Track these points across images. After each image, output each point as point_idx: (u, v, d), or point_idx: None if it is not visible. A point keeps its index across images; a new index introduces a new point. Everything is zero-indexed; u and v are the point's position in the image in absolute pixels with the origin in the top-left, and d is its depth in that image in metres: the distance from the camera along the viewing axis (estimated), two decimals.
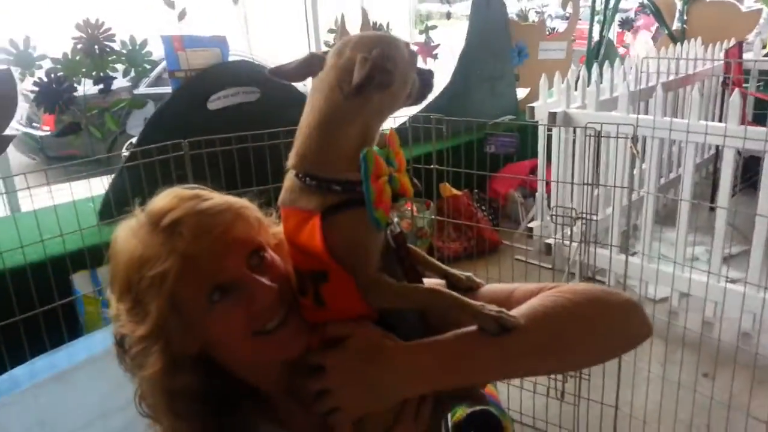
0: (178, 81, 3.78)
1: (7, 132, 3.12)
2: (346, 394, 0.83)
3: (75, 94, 3.40)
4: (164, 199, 0.86)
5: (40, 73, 3.41)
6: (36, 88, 3.26)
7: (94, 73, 3.63)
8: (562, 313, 0.81)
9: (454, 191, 4.82)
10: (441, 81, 5.31)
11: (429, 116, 2.93)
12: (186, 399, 0.87)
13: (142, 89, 5.68)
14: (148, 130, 3.59)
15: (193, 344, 0.87)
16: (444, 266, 1.00)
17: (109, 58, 3.88)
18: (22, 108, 3.27)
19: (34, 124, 6.17)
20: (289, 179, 0.88)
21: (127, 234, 0.85)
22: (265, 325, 0.86)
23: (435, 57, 5.87)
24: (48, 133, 5.48)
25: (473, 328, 0.82)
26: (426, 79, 0.90)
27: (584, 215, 2.62)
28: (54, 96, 3.28)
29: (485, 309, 0.82)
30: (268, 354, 0.88)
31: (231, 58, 4.11)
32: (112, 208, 2.72)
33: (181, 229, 0.81)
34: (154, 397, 0.88)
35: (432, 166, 3.07)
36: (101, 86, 3.47)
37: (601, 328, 0.83)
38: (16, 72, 3.22)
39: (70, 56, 3.52)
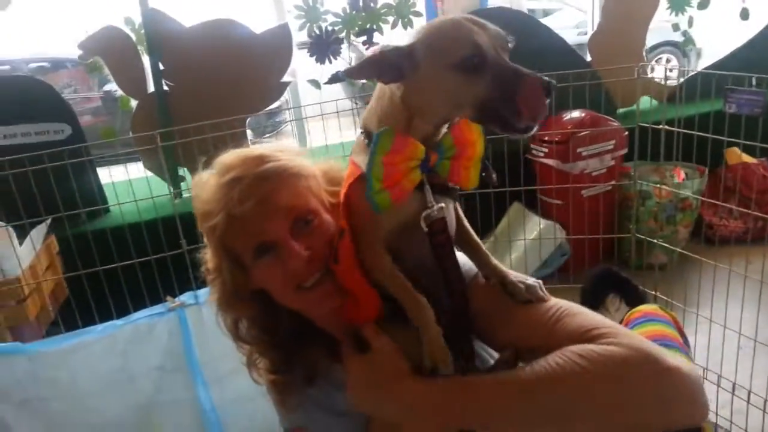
0: None
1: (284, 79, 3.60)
2: (356, 398, 0.88)
3: (341, 46, 3.71)
4: (233, 155, 0.94)
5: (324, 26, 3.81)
6: (312, 40, 3.65)
7: (367, 26, 3.92)
8: (568, 382, 0.73)
9: (746, 158, 3.98)
10: None
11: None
12: (248, 325, 0.99)
13: None
14: None
15: (245, 285, 0.95)
16: (503, 269, 0.90)
17: (381, 11, 4.15)
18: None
19: None
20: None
21: (201, 183, 0.95)
22: (302, 283, 0.92)
23: None
24: None
25: (491, 377, 0.80)
26: (507, 81, 0.75)
27: None
28: (324, 48, 3.64)
29: (434, 352, 0.81)
30: (308, 306, 0.95)
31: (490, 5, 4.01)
32: None
33: (234, 190, 0.88)
34: (224, 321, 1.00)
35: (660, 127, 2.59)
36: (364, 38, 3.71)
37: (608, 404, 0.73)
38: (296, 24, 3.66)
39: (348, 10, 3.86)
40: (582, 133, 3.51)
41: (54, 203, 2.70)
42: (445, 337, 0.86)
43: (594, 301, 2.31)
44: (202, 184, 0.94)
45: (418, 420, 0.83)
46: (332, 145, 2.74)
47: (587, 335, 0.76)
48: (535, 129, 0.78)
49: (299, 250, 0.90)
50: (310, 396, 1.02)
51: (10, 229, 2.58)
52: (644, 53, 4.49)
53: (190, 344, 2.19)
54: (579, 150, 3.54)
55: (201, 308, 2.19)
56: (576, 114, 3.66)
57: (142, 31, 3.61)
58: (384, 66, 0.77)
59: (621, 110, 4.44)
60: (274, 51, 3.53)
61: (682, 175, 3.74)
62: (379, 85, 0.83)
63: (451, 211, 0.89)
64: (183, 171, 3.65)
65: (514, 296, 0.86)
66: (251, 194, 0.88)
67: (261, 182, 0.89)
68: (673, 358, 0.73)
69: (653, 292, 2.60)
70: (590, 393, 0.73)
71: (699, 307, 2.66)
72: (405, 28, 4.26)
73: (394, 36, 4.54)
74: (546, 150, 3.67)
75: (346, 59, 3.78)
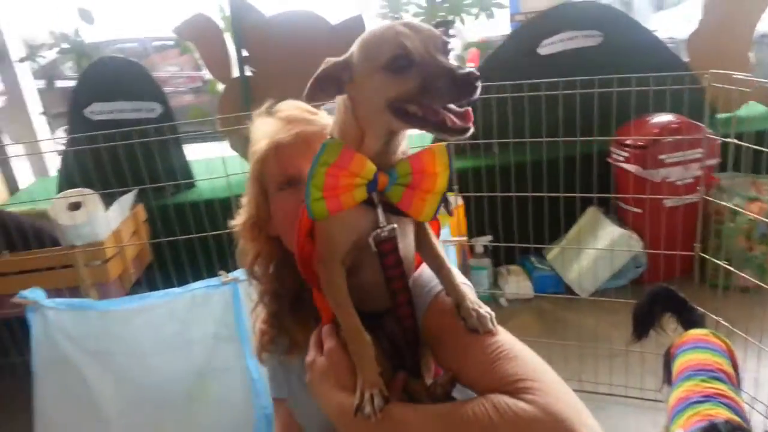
0: (518, 24, 3.76)
1: None
2: (308, 386, 0.93)
3: None
4: (291, 103, 1.10)
5: (407, 17, 3.85)
6: None
7: (449, 17, 3.91)
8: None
9: None
10: None
11: None
12: (262, 264, 1.10)
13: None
14: (480, 70, 3.73)
15: (267, 217, 1.07)
16: (463, 292, 0.87)
17: (464, 3, 4.12)
18: None
19: None
20: None
21: (259, 122, 1.11)
22: None
23: None
24: None
25: (414, 413, 0.82)
26: (432, 79, 0.74)
27: None
28: None
29: (364, 386, 0.83)
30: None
31: None
32: None
33: (285, 125, 1.04)
34: (245, 256, 1.11)
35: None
36: (441, 29, 3.70)
37: None
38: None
39: (431, 1, 3.87)
40: (665, 139, 3.32)
41: (142, 176, 2.95)
42: (391, 354, 0.90)
43: (648, 320, 2.23)
44: (260, 123, 1.09)
45: (341, 430, 0.87)
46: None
47: (514, 385, 0.76)
48: (469, 131, 0.77)
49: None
50: (293, 369, 1.07)
51: (99, 196, 2.83)
52: (751, 54, 4.14)
53: (240, 317, 2.32)
54: (661, 157, 3.35)
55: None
56: (663, 118, 3.45)
57: (230, 20, 3.81)
58: (325, 81, 0.79)
59: (722, 116, 4.14)
60: (348, 42, 3.59)
61: None
62: (338, 99, 0.84)
63: (409, 233, 0.89)
64: None
65: (465, 321, 0.85)
66: (298, 131, 1.02)
67: (308, 126, 1.03)
68: (584, 424, 0.71)
69: (715, 317, 2.42)
70: None
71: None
72: (488, 19, 4.21)
73: (478, 27, 4.50)
74: (626, 154, 3.50)
75: None
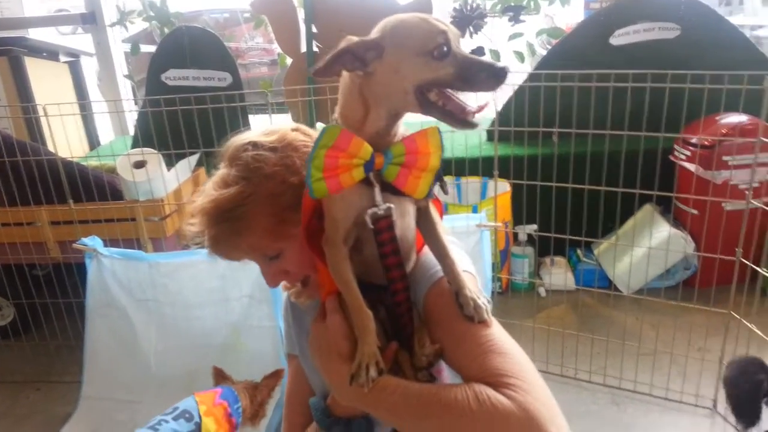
0: (592, 12, 3.64)
1: None
2: (311, 354, 0.99)
3: (485, 20, 3.69)
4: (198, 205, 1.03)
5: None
6: (454, 14, 3.68)
7: (523, 2, 3.84)
8: (454, 418, 0.80)
9: None
10: None
11: None
12: None
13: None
14: (548, 57, 3.67)
15: None
16: (463, 281, 0.91)
17: None
18: None
19: None
20: None
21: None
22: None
23: None
24: None
25: (402, 387, 0.86)
26: (468, 68, 0.80)
27: None
28: (466, 21, 3.65)
29: (363, 357, 0.88)
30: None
31: None
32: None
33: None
34: None
35: None
36: (510, 14, 3.65)
37: None
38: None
39: None
40: (731, 140, 3.14)
41: (210, 140, 3.13)
42: (386, 331, 0.95)
43: (754, 408, 1.96)
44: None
45: (339, 398, 0.94)
46: None
47: (498, 379, 0.80)
48: (479, 124, 0.83)
49: (270, 276, 1.05)
50: (304, 326, 1.15)
51: (161, 157, 3.04)
52: None
53: None
54: (725, 158, 3.18)
55: None
56: (733, 118, 3.26)
57: None
58: (349, 57, 0.83)
59: None
60: None
61: None
62: (343, 79, 0.89)
63: (407, 213, 0.93)
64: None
65: (462, 308, 0.89)
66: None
67: (216, 241, 1.01)
68: (555, 425, 0.76)
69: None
70: None
71: None
72: (563, 5, 4.08)
73: (550, 12, 4.37)
74: (689, 153, 3.34)
75: (487, 35, 3.76)
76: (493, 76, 0.79)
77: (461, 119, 0.83)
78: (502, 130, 3.67)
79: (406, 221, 0.93)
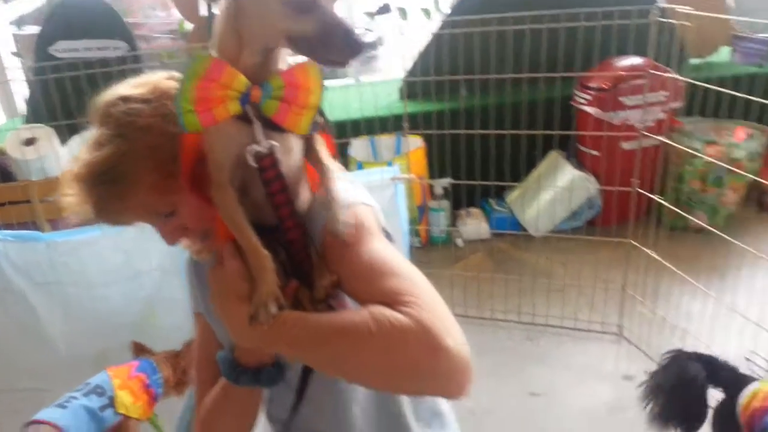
0: None
1: None
2: (213, 304, 0.94)
3: None
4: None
5: None
6: None
7: None
8: (353, 340, 0.80)
9: None
10: None
11: None
12: None
13: None
14: (453, 11, 3.72)
15: None
16: (335, 199, 0.89)
17: None
18: None
19: None
20: None
21: None
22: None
23: None
24: None
25: (303, 319, 0.86)
26: (330, 30, 0.77)
27: None
28: None
29: (262, 296, 0.85)
30: None
31: None
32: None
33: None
34: None
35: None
36: None
37: (371, 367, 0.81)
38: None
39: None
40: (627, 82, 3.29)
41: None
42: (286, 271, 0.92)
43: (699, 405, 1.69)
44: None
45: (239, 341, 0.91)
46: None
47: (395, 298, 0.81)
48: (351, 61, 0.80)
49: (167, 235, 1.01)
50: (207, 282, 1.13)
51: (54, 133, 2.87)
52: None
53: (183, 252, 2.39)
54: (621, 99, 3.33)
55: None
56: (628, 61, 3.42)
57: None
58: None
59: (697, 61, 4.08)
60: None
61: (743, 135, 3.42)
62: (220, 9, 0.84)
63: (293, 150, 0.91)
64: None
65: (329, 225, 0.89)
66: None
67: (99, 208, 0.97)
68: (452, 338, 0.77)
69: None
70: (361, 355, 0.79)
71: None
72: None
73: None
74: (589, 97, 3.48)
75: None
76: (348, 47, 0.77)
77: (335, 62, 0.80)
78: (414, 88, 3.72)
79: (292, 158, 0.91)
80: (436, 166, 3.47)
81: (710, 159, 3.21)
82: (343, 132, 3.42)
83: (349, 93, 3.92)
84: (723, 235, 2.39)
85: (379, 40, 8.37)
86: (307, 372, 0.98)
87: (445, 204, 3.60)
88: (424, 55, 3.72)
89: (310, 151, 0.94)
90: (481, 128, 3.36)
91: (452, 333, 0.78)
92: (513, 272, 3.08)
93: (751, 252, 2.27)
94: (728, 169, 3.30)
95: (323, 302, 0.91)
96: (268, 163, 0.87)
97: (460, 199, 3.69)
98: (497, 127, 3.42)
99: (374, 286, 0.84)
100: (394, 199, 2.59)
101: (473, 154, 3.44)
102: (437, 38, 3.56)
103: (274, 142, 0.86)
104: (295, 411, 1.01)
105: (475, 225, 3.60)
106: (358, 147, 3.56)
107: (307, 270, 0.95)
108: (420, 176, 3.52)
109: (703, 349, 1.83)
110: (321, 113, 0.91)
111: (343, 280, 0.90)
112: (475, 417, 2.26)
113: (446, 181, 3.54)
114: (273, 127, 0.86)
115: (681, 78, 3.12)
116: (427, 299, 0.81)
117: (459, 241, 3.60)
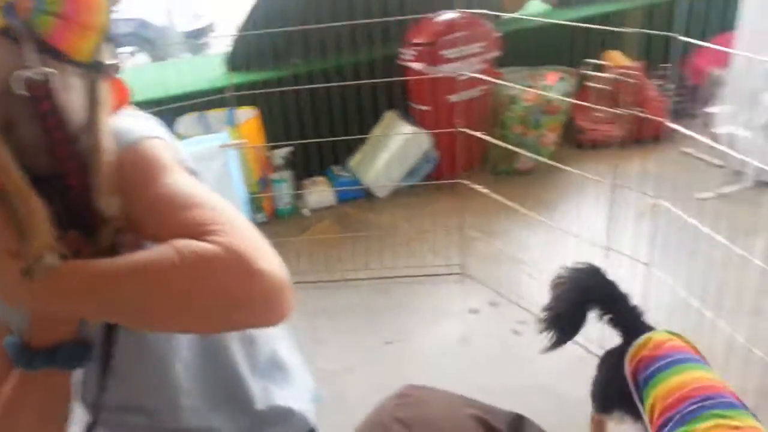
0: None
1: None
2: None
3: None
4: None
5: None
6: None
7: None
8: (156, 275, 0.72)
9: (624, 61, 3.94)
10: None
11: None
12: None
13: None
14: None
15: None
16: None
17: None
18: None
19: None
20: None
21: None
22: None
23: None
24: None
25: (93, 265, 0.75)
26: None
27: None
28: None
29: (34, 248, 0.73)
30: None
31: None
32: None
33: None
34: None
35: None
36: None
37: (181, 300, 0.73)
38: None
39: None
40: (448, 35, 3.41)
41: None
42: (61, 221, 0.79)
43: (573, 320, 1.57)
44: None
45: (11, 302, 0.78)
46: None
47: (200, 229, 0.74)
48: None
49: None
50: None
51: None
52: None
53: None
54: (443, 52, 3.44)
55: None
56: (447, 15, 3.54)
57: None
58: None
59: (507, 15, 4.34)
60: None
61: (555, 78, 3.70)
62: None
63: (74, 88, 0.79)
64: None
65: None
66: None
67: None
68: (265, 261, 0.72)
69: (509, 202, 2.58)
70: (167, 291, 0.72)
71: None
72: None
73: None
74: (414, 53, 3.56)
75: None
76: None
77: None
78: (239, 58, 3.58)
79: (72, 97, 0.78)
80: (275, 137, 3.38)
81: (528, 103, 3.45)
82: (169, 110, 3.22)
83: (171, 69, 3.69)
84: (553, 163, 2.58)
85: (210, 27, 8.01)
86: (109, 336, 0.86)
87: (287, 174, 3.53)
88: (249, 23, 3.57)
89: (91, 95, 0.79)
90: (320, 95, 3.33)
91: (264, 256, 0.73)
92: (359, 233, 3.10)
93: (575, 184, 2.45)
94: (544, 111, 3.57)
95: (110, 252, 0.79)
96: (43, 93, 0.74)
97: (306, 170, 3.65)
98: (334, 91, 3.42)
99: (175, 220, 0.76)
100: (226, 167, 2.46)
101: (312, 122, 3.39)
102: (262, 3, 3.45)
103: (50, 69, 0.73)
104: (102, 388, 0.87)
105: (319, 193, 3.57)
106: (186, 123, 3.36)
107: (91, 220, 0.82)
108: (257, 147, 3.40)
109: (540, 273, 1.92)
110: (110, 41, 0.78)
111: (142, 223, 0.80)
112: (339, 376, 2.24)
113: (284, 151, 3.46)
114: (49, 50, 0.73)
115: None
116: (235, 225, 0.75)
117: (305, 211, 3.55)
